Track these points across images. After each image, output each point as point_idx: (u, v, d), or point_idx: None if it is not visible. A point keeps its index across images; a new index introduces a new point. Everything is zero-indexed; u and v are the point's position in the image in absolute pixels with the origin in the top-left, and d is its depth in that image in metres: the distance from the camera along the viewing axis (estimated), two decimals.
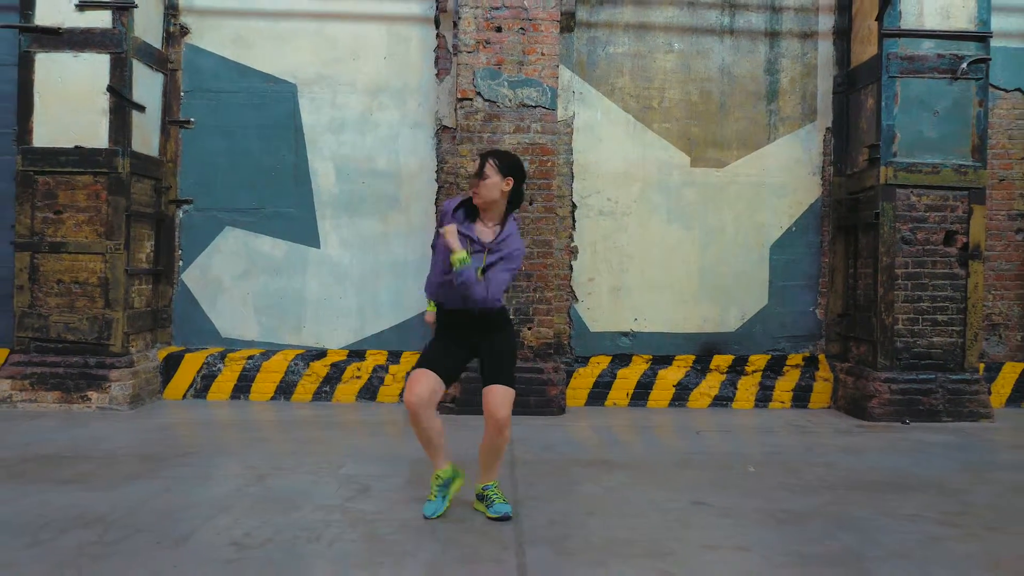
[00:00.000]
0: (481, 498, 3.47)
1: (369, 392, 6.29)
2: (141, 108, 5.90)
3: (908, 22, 5.83)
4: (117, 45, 5.68)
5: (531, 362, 5.85)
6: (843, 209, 6.39)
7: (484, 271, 3.27)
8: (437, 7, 6.36)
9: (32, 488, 3.71)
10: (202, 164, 6.41)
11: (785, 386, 6.37)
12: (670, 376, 6.35)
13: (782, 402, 6.36)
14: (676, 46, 6.50)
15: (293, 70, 6.41)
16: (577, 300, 6.43)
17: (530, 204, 5.86)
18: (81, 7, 5.67)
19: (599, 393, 6.29)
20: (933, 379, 5.83)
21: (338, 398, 6.31)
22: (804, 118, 6.55)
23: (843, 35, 6.46)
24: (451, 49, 6.28)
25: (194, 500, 3.58)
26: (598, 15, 6.46)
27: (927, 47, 5.84)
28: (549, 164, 5.91)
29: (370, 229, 6.45)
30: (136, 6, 5.71)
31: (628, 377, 6.32)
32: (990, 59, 5.89)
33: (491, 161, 3.36)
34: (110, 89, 5.67)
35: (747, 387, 6.36)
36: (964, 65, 5.78)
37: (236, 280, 6.43)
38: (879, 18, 5.85)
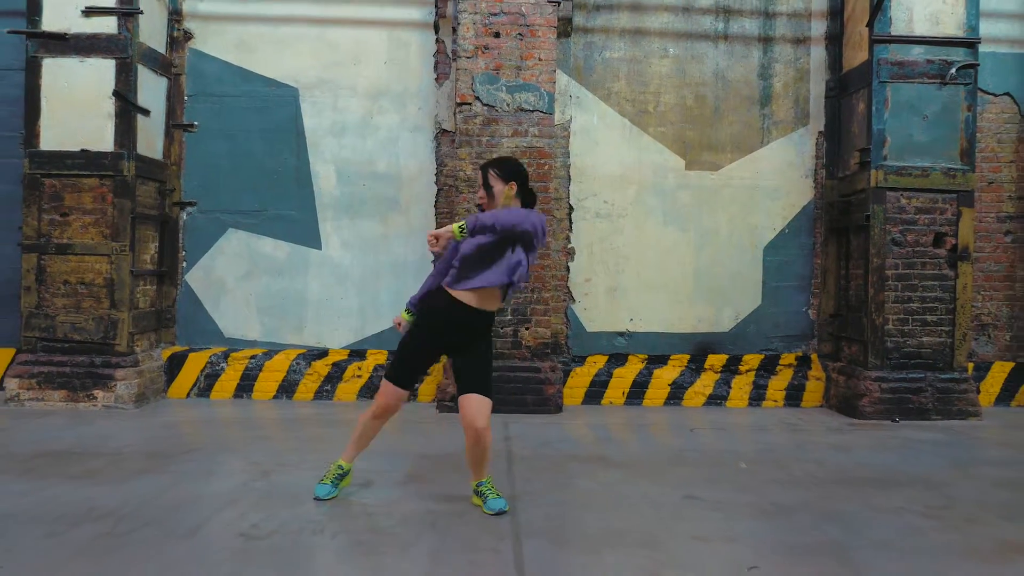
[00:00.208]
0: (477, 494, 3.58)
1: (370, 391, 6.38)
2: (146, 112, 6.01)
3: (898, 28, 5.94)
4: (122, 50, 5.78)
5: (528, 361, 5.96)
6: (835, 211, 6.50)
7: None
8: (436, 13, 6.47)
9: (44, 483, 3.82)
10: (205, 167, 6.51)
11: (778, 385, 6.49)
12: (665, 375, 6.46)
13: (775, 401, 6.47)
14: (671, 51, 6.61)
15: (295, 74, 6.52)
16: (574, 301, 6.54)
17: None
18: (87, 13, 5.77)
19: (596, 392, 6.41)
20: (923, 378, 5.94)
21: (339, 397, 6.41)
22: (797, 122, 6.66)
23: (835, 40, 6.58)
24: (450, 54, 6.39)
25: (201, 495, 3.69)
26: (594, 21, 6.57)
27: (917, 53, 5.96)
28: (546, 167, 6.02)
29: (371, 231, 6.56)
30: (141, 12, 5.82)
31: (624, 376, 6.43)
32: (978, 64, 6.00)
33: (492, 171, 3.46)
34: (115, 94, 5.77)
35: (741, 386, 6.48)
36: (953, 70, 5.89)
37: (239, 281, 6.54)
38: (870, 24, 5.97)
